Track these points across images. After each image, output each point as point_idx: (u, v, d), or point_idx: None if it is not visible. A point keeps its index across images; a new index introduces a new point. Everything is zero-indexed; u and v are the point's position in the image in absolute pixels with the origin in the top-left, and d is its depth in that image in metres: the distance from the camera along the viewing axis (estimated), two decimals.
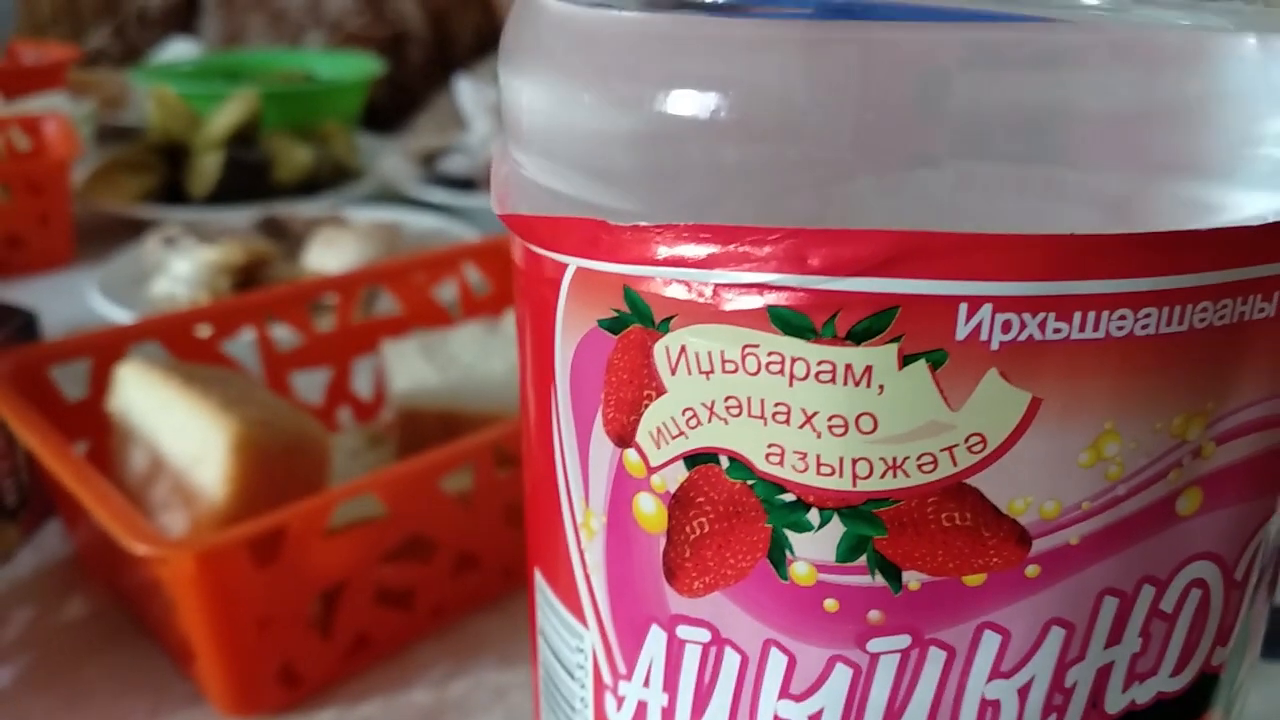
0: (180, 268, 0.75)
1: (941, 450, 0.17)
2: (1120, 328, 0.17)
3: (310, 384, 0.59)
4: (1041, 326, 0.16)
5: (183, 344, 0.54)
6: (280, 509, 0.39)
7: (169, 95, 1.06)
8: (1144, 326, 0.17)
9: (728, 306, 0.17)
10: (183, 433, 0.43)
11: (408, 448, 0.51)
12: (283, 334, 0.58)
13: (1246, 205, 0.17)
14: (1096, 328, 0.16)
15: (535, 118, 0.20)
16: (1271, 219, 0.17)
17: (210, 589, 0.38)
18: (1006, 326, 0.16)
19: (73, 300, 0.78)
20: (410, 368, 0.55)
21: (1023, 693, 0.19)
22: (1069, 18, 0.17)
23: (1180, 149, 0.17)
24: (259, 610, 0.39)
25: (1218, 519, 0.19)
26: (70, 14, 1.73)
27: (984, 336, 0.16)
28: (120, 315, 0.71)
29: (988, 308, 0.16)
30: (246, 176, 1.01)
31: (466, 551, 0.45)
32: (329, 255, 0.79)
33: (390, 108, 1.50)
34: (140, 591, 0.45)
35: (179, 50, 1.57)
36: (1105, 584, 0.19)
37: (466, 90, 1.16)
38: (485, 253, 0.65)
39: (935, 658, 0.19)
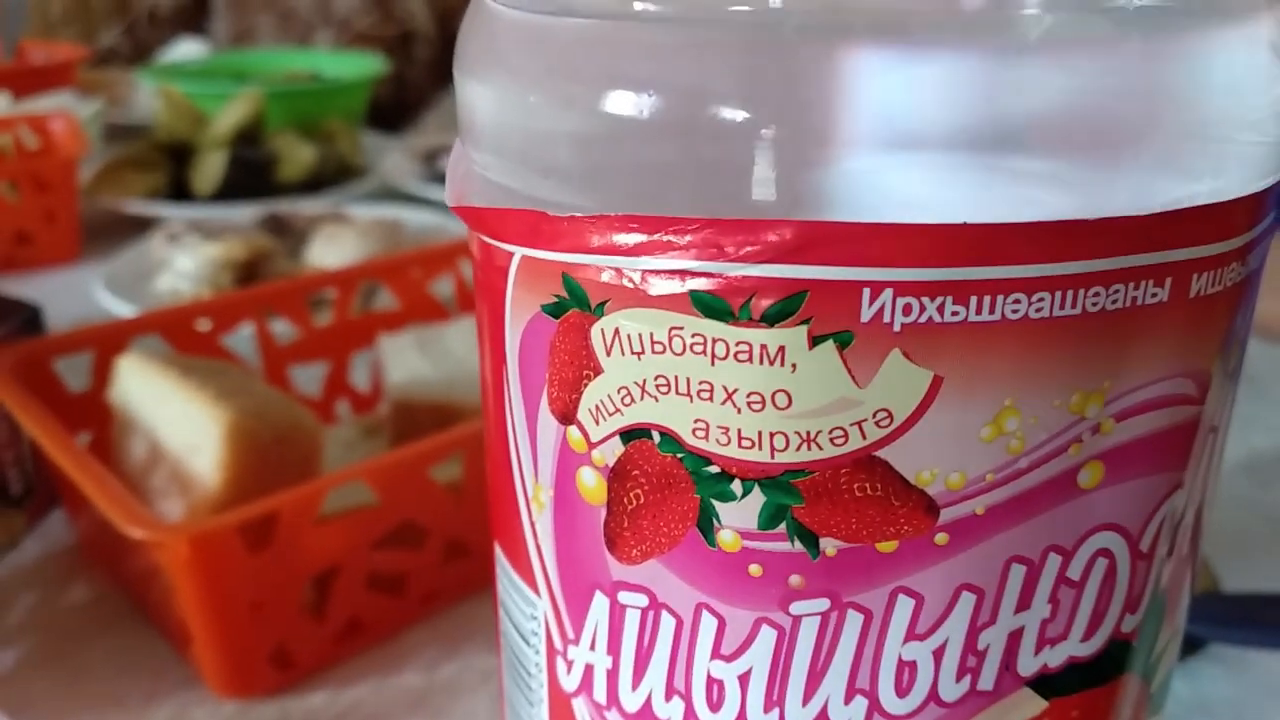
0: (183, 264, 0.77)
1: (851, 425, 0.18)
2: (1015, 311, 0.18)
3: (309, 377, 0.60)
4: (940, 310, 0.18)
5: (183, 338, 0.55)
6: (273, 495, 0.40)
7: (175, 94, 1.08)
8: (1038, 310, 0.18)
9: (654, 291, 0.19)
10: (179, 423, 0.45)
11: (402, 439, 0.52)
12: (282, 328, 0.60)
13: (1133, 195, 0.18)
14: (993, 310, 0.18)
15: (486, 117, 0.22)
16: (1158, 209, 0.18)
17: (204, 572, 0.39)
18: (907, 309, 0.18)
19: (79, 296, 0.79)
20: (406, 361, 0.56)
21: (938, 654, 0.20)
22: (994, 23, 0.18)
23: (1079, 141, 0.18)
24: (252, 594, 0.41)
25: (1120, 492, 0.20)
26: (81, 14, 1.74)
27: (887, 319, 0.18)
28: (125, 311, 0.72)
29: (889, 292, 0.18)
30: (251, 174, 1.02)
31: (456, 539, 0.46)
32: (330, 252, 0.80)
33: (397, 106, 1.51)
34: (139, 577, 0.46)
35: (187, 50, 1.59)
36: (1012, 552, 0.20)
37: None
38: None
39: (854, 620, 0.20)
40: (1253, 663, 0.42)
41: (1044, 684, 0.21)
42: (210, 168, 1.01)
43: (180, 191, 1.03)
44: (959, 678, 0.21)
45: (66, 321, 0.69)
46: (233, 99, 1.08)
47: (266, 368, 0.58)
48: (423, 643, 0.45)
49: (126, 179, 1.01)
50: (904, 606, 0.20)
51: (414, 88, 1.56)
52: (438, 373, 0.55)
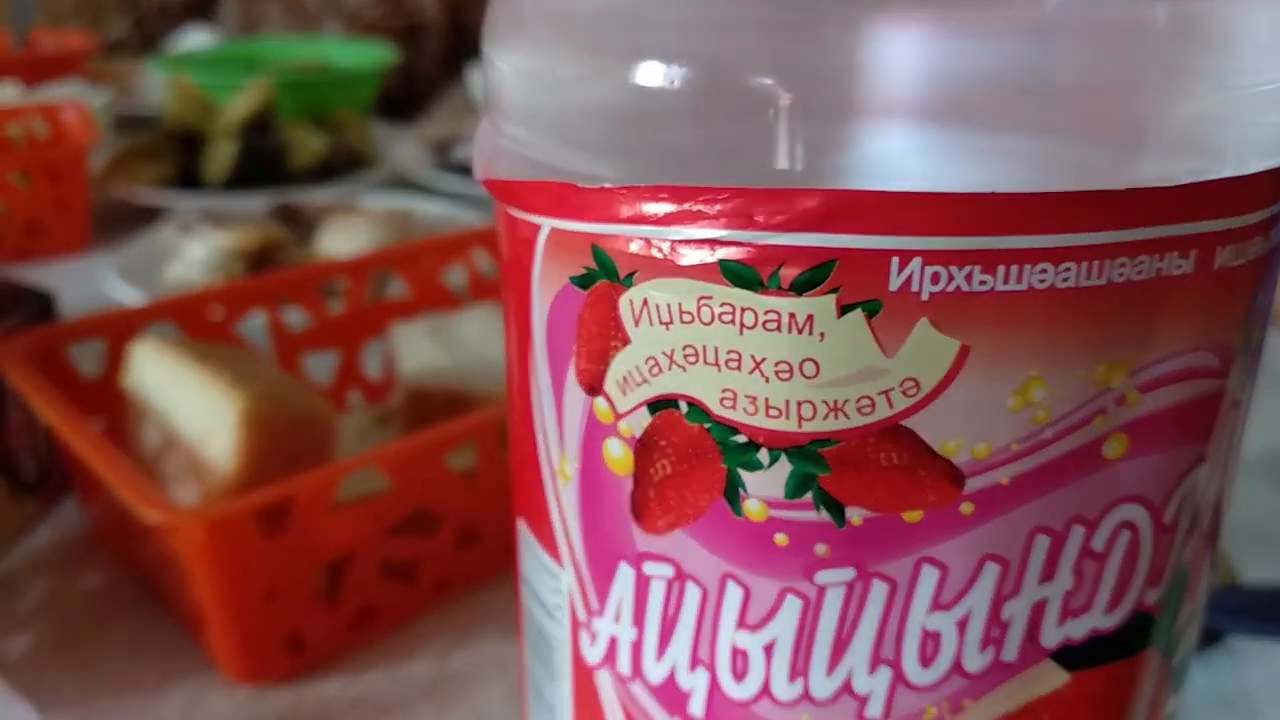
0: (195, 252, 0.77)
1: (879, 394, 0.19)
2: (1042, 280, 0.18)
3: (321, 366, 0.61)
4: (968, 279, 0.18)
5: (196, 325, 0.56)
6: (287, 481, 0.40)
7: (185, 84, 1.08)
8: (1064, 280, 0.18)
9: (684, 261, 0.19)
10: (193, 408, 0.45)
11: (415, 427, 0.52)
12: (294, 317, 0.60)
13: (1158, 167, 0.18)
14: (1020, 280, 0.18)
15: (515, 91, 0.22)
16: (1183, 180, 0.18)
17: (219, 557, 0.39)
18: (936, 278, 0.18)
19: (91, 285, 0.79)
20: (418, 349, 0.56)
21: (961, 625, 0.21)
22: None
23: (1106, 114, 0.18)
24: (266, 580, 0.41)
25: (1144, 464, 0.20)
26: (90, 4, 1.75)
27: (915, 288, 0.18)
28: (137, 299, 0.73)
29: (917, 261, 0.18)
30: (261, 164, 1.02)
31: (469, 526, 0.47)
32: (341, 241, 0.80)
33: (406, 96, 1.52)
34: (153, 563, 0.46)
35: (196, 39, 1.59)
36: (1036, 523, 0.20)
37: (480, 80, 1.18)
38: (493, 238, 0.66)
39: (878, 590, 0.20)
40: (1271, 655, 0.42)
41: (1067, 656, 0.21)
42: (221, 157, 1.02)
43: (191, 181, 1.03)
44: (982, 648, 0.21)
45: (78, 311, 0.69)
46: (242, 89, 1.08)
47: (279, 356, 0.59)
48: (435, 630, 0.46)
49: (137, 168, 1.01)
50: (929, 576, 0.20)
51: (423, 79, 1.56)
52: (450, 361, 0.55)
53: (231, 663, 0.42)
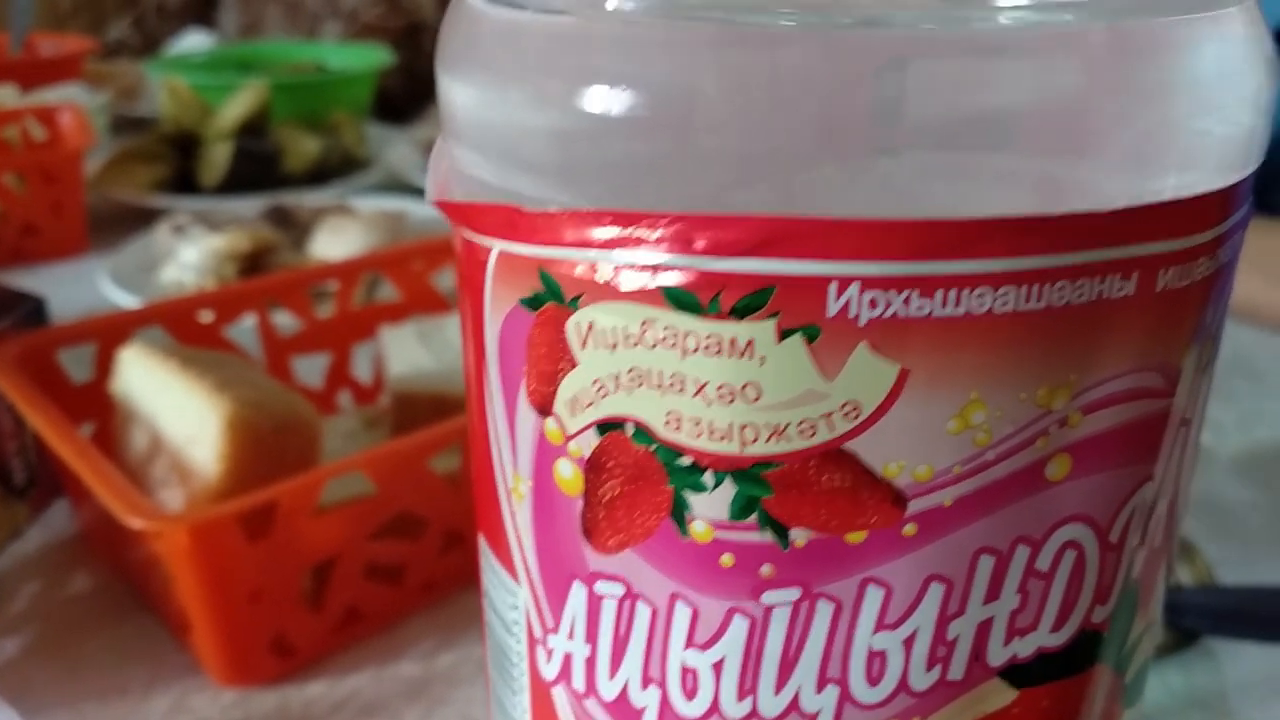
0: (188, 255, 0.77)
1: (820, 417, 0.19)
2: (981, 305, 0.18)
3: (311, 368, 0.61)
4: (906, 304, 0.18)
5: (186, 329, 0.56)
6: (272, 485, 0.40)
7: (181, 86, 1.08)
8: (1003, 304, 0.18)
9: (627, 285, 0.19)
10: (179, 413, 0.45)
11: (403, 430, 0.53)
12: (284, 320, 0.60)
13: (1097, 189, 0.18)
14: (958, 304, 0.18)
15: (466, 113, 0.22)
16: (1125, 204, 0.18)
17: (204, 562, 0.39)
18: (874, 304, 0.18)
19: (85, 287, 0.79)
20: (407, 352, 0.56)
21: (908, 644, 0.21)
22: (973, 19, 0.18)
23: (1052, 134, 0.18)
24: (252, 583, 0.41)
25: (1088, 484, 0.20)
26: (91, 6, 1.75)
27: (853, 313, 0.18)
28: (131, 302, 0.73)
29: (855, 286, 0.18)
30: (256, 166, 1.03)
31: (455, 529, 0.47)
32: (334, 243, 0.81)
33: (405, 97, 1.52)
34: (140, 567, 0.46)
35: (194, 42, 1.60)
36: (980, 543, 0.20)
37: None
38: None
39: (824, 609, 0.20)
40: (1247, 655, 0.43)
41: (1014, 674, 0.21)
42: (215, 160, 1.02)
43: (186, 183, 1.04)
44: (929, 667, 0.21)
45: (73, 313, 0.69)
46: (237, 91, 1.08)
47: (269, 359, 0.59)
48: (421, 632, 0.46)
49: (133, 171, 1.02)
50: (873, 596, 0.20)
51: (423, 79, 1.56)
52: (439, 364, 0.55)
53: (217, 665, 0.42)
